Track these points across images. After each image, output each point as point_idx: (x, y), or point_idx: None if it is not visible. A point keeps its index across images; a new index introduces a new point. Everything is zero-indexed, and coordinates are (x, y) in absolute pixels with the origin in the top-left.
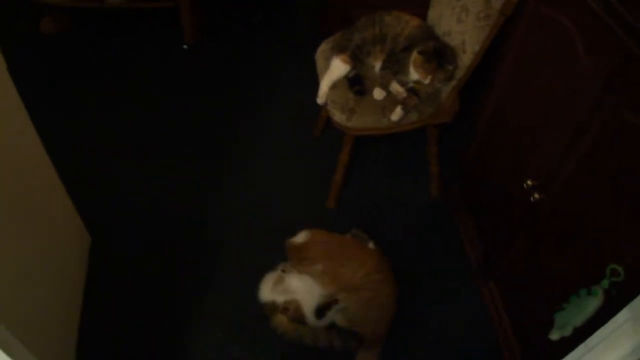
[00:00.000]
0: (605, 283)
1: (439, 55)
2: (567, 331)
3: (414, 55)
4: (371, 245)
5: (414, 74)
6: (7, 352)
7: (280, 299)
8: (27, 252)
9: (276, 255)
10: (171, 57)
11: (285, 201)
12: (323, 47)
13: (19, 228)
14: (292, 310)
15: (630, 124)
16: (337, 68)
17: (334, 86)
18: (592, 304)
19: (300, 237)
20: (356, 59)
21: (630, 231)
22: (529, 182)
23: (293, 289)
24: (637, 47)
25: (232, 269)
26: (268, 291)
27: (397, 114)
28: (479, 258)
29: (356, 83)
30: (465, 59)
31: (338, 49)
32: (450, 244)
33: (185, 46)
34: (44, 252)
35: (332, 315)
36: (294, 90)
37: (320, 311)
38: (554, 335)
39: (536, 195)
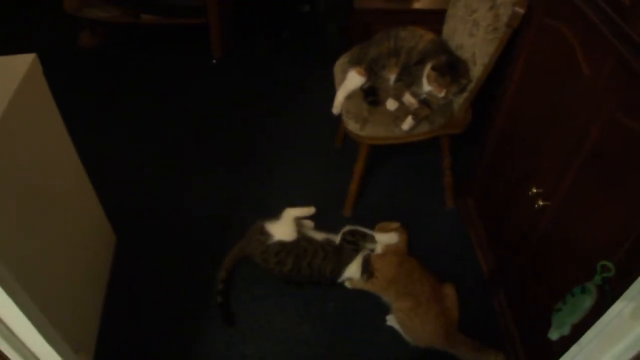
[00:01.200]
0: (598, 279)
1: (452, 69)
2: (566, 330)
3: (428, 71)
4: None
5: (426, 86)
6: (44, 335)
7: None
8: (58, 247)
9: None
10: (200, 69)
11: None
12: (341, 60)
13: (52, 225)
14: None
15: (625, 127)
16: (352, 80)
17: (349, 97)
18: (587, 300)
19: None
20: (371, 71)
21: (622, 227)
22: (534, 190)
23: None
24: (628, 52)
25: (247, 272)
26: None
27: (407, 123)
28: (490, 267)
29: (370, 94)
30: (476, 71)
31: (354, 62)
32: (463, 253)
33: (214, 61)
34: (73, 247)
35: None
36: (319, 101)
37: None
38: (553, 335)
39: (540, 202)
